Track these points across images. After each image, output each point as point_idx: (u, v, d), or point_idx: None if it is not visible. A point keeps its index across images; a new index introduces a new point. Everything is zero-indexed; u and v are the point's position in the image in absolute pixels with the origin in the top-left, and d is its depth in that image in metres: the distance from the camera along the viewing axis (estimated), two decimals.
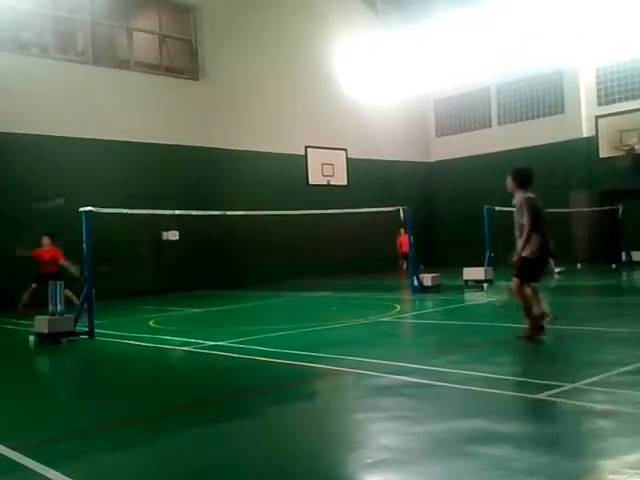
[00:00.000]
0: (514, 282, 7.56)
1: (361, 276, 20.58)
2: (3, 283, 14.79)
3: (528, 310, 7.55)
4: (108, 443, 4.63)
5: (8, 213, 15.59)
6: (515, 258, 7.55)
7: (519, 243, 7.50)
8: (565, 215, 20.74)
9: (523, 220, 7.44)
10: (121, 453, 4.39)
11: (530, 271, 7.55)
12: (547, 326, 7.67)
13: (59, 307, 9.53)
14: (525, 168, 7.90)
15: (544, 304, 7.96)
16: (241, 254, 19.43)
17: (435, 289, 14.52)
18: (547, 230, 7.64)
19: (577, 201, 21.35)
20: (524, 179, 7.72)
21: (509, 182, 7.79)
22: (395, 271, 21.61)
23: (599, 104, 21.65)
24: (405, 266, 22.21)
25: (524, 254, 7.45)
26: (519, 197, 7.63)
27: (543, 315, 7.62)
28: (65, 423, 5.32)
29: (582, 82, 21.91)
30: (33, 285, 13.80)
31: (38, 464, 4.05)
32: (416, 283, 14.52)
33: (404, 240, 21.98)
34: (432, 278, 14.77)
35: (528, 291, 7.58)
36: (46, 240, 13.84)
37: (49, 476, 3.86)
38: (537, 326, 7.55)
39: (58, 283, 9.65)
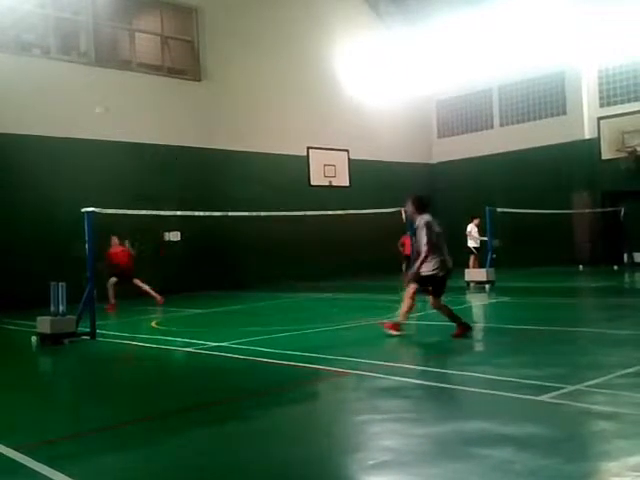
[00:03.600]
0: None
1: (362, 277, 20.56)
2: (3, 284, 14.83)
3: (451, 316, 8.34)
4: (111, 444, 4.64)
5: (10, 212, 15.63)
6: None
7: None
8: (567, 216, 20.72)
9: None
10: (124, 454, 4.40)
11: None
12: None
13: (61, 308, 9.53)
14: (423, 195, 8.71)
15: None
16: (243, 255, 19.43)
17: None
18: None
19: (579, 202, 21.32)
20: (422, 204, 8.37)
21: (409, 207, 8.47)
22: (396, 272, 21.54)
23: (601, 105, 21.62)
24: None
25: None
26: (418, 220, 8.25)
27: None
28: (68, 424, 5.34)
29: (584, 83, 21.89)
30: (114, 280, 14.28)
31: (42, 465, 4.06)
32: None
33: (407, 240, 21.90)
34: None
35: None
36: (115, 240, 14.44)
37: (54, 478, 3.87)
38: (462, 325, 8.22)
39: (60, 284, 9.65)
